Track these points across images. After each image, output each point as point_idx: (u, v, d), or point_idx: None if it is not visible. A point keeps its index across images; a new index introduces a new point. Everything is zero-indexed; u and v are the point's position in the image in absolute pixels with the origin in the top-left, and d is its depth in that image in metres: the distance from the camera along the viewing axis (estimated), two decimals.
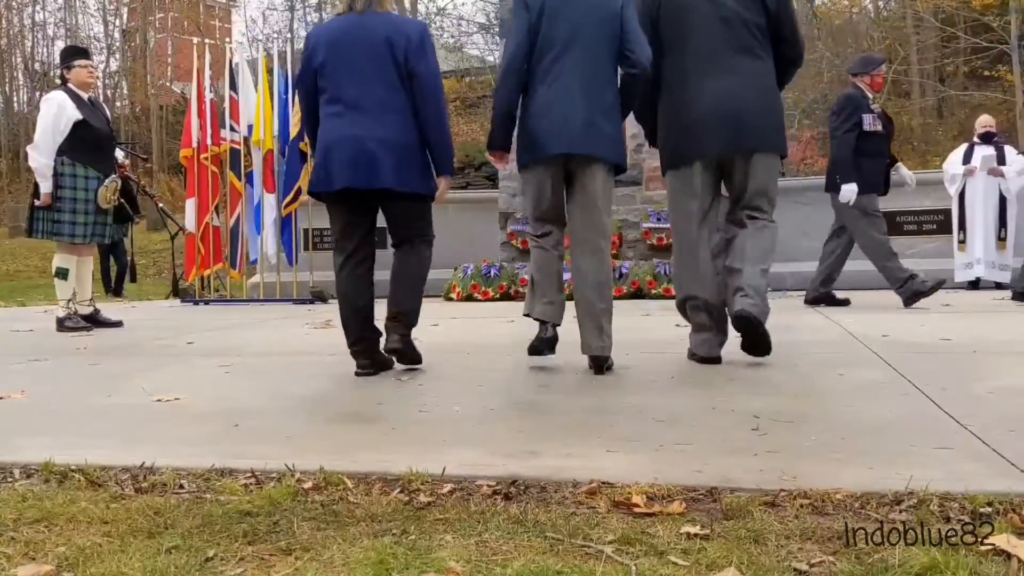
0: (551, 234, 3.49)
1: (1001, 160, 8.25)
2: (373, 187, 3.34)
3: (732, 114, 3.35)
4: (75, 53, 5.92)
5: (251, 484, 1.92)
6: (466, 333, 5.03)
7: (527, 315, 3.47)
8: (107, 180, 5.56)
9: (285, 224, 8.48)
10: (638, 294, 8.03)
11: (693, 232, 3.48)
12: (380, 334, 3.49)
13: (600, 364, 3.31)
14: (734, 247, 3.44)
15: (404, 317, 3.48)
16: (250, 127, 8.44)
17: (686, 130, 3.46)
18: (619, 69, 3.41)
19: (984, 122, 8.62)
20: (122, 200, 5.88)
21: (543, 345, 3.41)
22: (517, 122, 3.46)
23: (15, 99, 27.23)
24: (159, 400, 2.96)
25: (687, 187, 3.49)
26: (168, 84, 27.11)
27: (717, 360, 3.49)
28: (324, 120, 3.41)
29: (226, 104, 8.58)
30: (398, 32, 3.35)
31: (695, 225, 3.48)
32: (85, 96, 5.61)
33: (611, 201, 3.54)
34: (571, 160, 3.35)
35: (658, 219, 8.52)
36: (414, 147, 3.40)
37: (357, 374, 3.41)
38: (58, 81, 5.79)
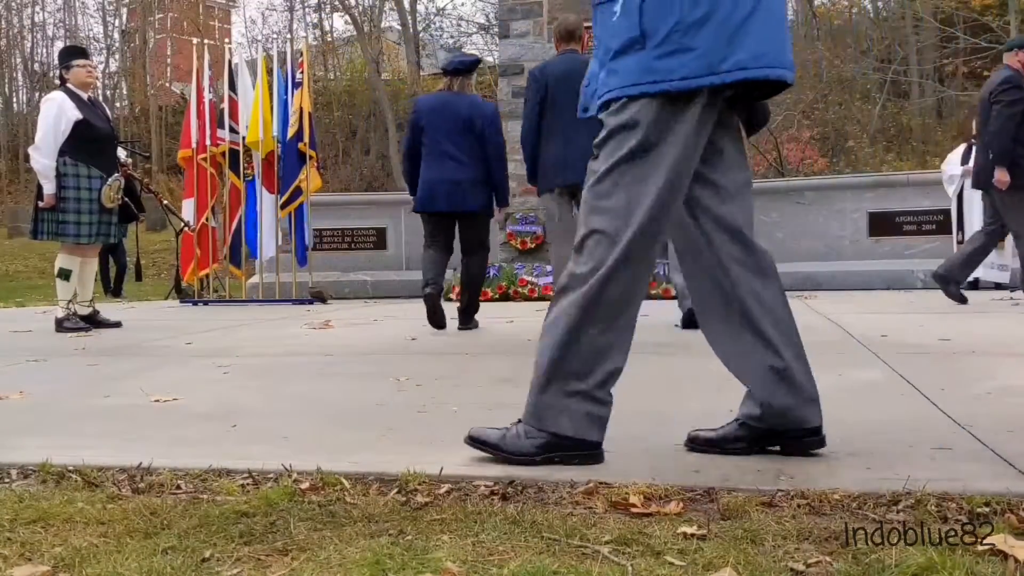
0: (566, 238, 4.77)
1: None
2: (461, 210, 5.12)
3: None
4: (73, 53, 5.91)
5: (248, 484, 1.92)
6: (465, 333, 5.02)
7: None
8: (110, 179, 5.55)
9: (296, 224, 8.46)
10: None
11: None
12: (442, 289, 5.27)
13: None
14: None
15: (470, 310, 5.27)
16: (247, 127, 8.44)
17: None
18: None
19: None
20: (126, 199, 5.88)
21: None
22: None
23: (14, 100, 27.25)
24: (157, 400, 2.96)
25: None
26: (167, 84, 27.14)
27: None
28: (428, 163, 5.12)
29: (225, 105, 8.58)
30: (477, 112, 5.13)
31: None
32: (85, 96, 5.60)
33: None
34: (573, 188, 4.58)
35: None
36: (484, 182, 5.15)
37: (424, 297, 5.09)
38: (57, 82, 5.79)
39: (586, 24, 4.97)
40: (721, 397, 2.79)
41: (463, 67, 5.25)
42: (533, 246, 8.93)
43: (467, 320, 5.24)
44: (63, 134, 5.38)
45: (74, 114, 5.41)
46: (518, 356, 3.97)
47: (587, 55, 4.98)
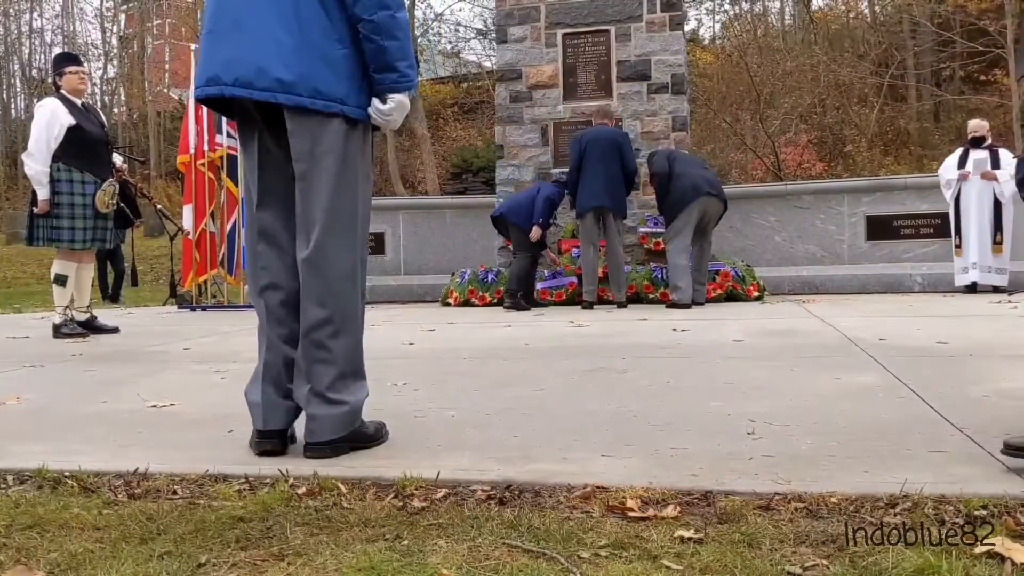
0: (594, 246, 7.57)
1: (996, 164, 8.26)
2: (513, 222, 7.91)
3: (711, 180, 7.56)
4: (66, 60, 5.92)
5: (245, 490, 1.91)
6: (463, 338, 5.02)
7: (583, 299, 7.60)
8: (104, 184, 5.55)
9: None
10: (635, 298, 8.03)
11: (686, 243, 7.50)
12: (519, 292, 7.82)
13: (621, 304, 7.49)
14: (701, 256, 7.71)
15: (516, 290, 7.81)
16: None
17: (682, 195, 7.36)
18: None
19: (975, 126, 8.62)
20: (121, 204, 5.87)
21: (588, 307, 7.52)
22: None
23: (12, 106, 27.23)
24: (154, 406, 2.95)
25: (687, 221, 7.37)
26: (165, 90, 27.13)
27: (688, 305, 7.22)
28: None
29: None
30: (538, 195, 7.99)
31: (687, 241, 7.44)
32: (78, 102, 5.61)
33: (621, 228, 7.73)
34: (600, 210, 7.52)
35: (655, 223, 8.52)
36: (529, 209, 7.83)
37: (505, 307, 7.78)
38: (54, 88, 5.81)
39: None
40: (720, 400, 2.79)
41: None
42: None
43: (520, 303, 7.75)
44: (56, 139, 5.38)
45: (67, 119, 5.41)
46: (516, 360, 3.97)
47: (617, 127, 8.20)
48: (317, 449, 2.17)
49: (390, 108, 2.24)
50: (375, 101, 2.24)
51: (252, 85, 2.13)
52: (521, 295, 7.74)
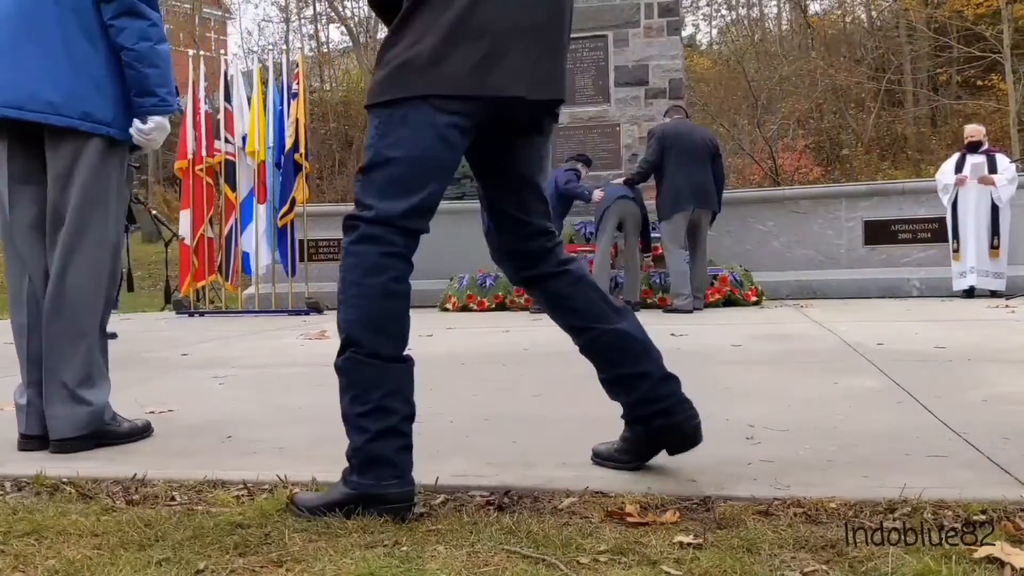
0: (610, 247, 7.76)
1: (993, 168, 8.27)
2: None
3: (700, 189, 7.34)
4: None
5: (243, 496, 1.91)
6: (461, 343, 5.02)
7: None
8: None
9: (282, 235, 8.47)
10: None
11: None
12: None
13: (635, 306, 7.27)
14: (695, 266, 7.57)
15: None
16: (244, 138, 8.44)
17: (677, 196, 7.31)
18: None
19: (970, 131, 8.63)
20: None
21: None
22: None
23: None
24: (152, 412, 2.95)
25: (678, 226, 7.35)
26: None
27: (691, 311, 7.15)
28: None
29: (220, 116, 8.59)
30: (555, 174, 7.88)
31: (683, 242, 7.43)
32: None
33: (648, 229, 7.87)
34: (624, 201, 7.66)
35: (653, 228, 8.52)
36: (555, 208, 7.11)
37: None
38: None
39: None
40: (718, 405, 2.79)
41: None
42: None
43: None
44: None
45: None
46: (514, 365, 3.97)
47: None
48: (60, 445, 2.33)
49: (150, 128, 2.45)
50: (136, 122, 2.43)
51: (24, 107, 2.30)
52: None
